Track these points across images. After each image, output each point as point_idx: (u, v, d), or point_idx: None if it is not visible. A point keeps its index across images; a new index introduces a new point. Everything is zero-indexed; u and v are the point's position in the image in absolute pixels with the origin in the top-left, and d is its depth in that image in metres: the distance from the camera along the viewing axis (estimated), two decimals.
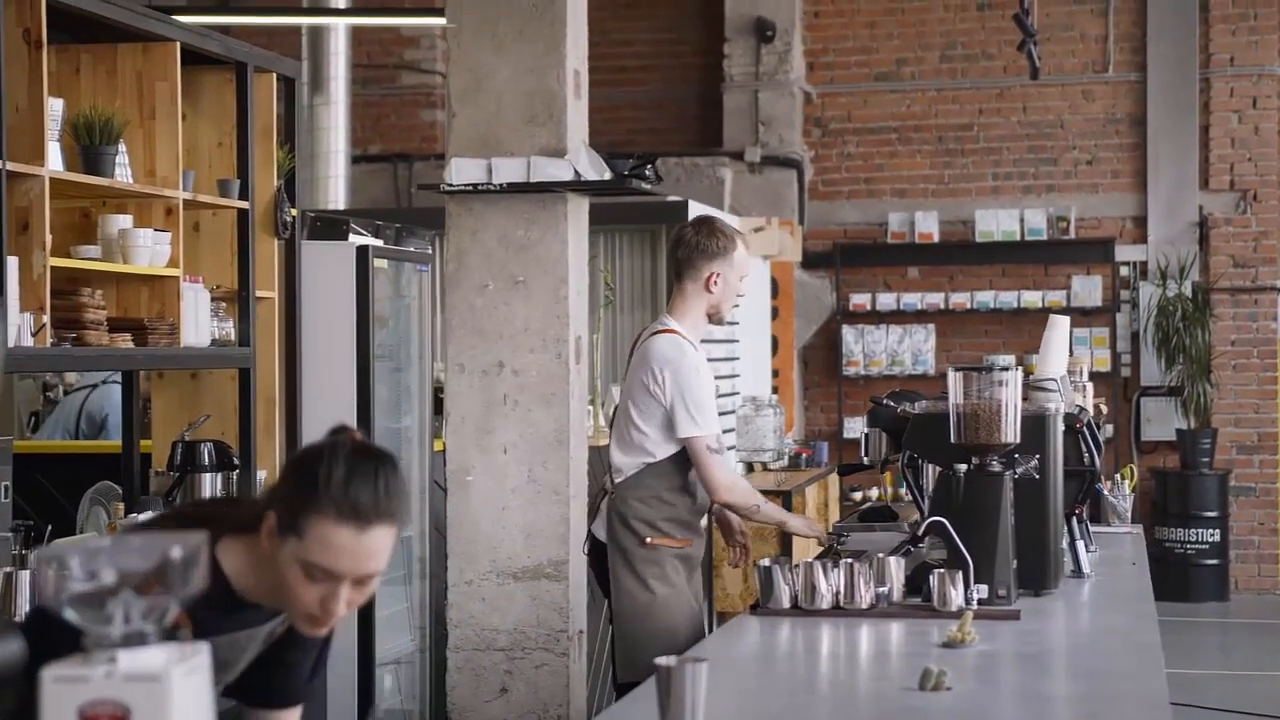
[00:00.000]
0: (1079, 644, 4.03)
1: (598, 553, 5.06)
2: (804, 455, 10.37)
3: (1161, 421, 12.26)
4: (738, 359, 10.07)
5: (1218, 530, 11.91)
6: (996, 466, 4.28)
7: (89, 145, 4.59)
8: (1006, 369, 4.31)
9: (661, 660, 2.66)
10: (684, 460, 4.93)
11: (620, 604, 4.93)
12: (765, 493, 8.57)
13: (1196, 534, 11.88)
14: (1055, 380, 5.01)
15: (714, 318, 5.03)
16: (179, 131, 4.96)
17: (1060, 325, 5.37)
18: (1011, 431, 4.26)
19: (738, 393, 9.93)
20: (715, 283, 4.96)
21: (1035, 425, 4.42)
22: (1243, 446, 12.26)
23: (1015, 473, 4.33)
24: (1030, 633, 3.92)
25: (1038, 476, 4.40)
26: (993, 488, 4.25)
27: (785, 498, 8.80)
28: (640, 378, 4.89)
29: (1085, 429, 4.93)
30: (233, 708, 2.80)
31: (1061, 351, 5.29)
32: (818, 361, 12.80)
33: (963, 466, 4.27)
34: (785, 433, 10.26)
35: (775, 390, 11.78)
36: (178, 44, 4.94)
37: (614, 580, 4.94)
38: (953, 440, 4.30)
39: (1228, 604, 11.91)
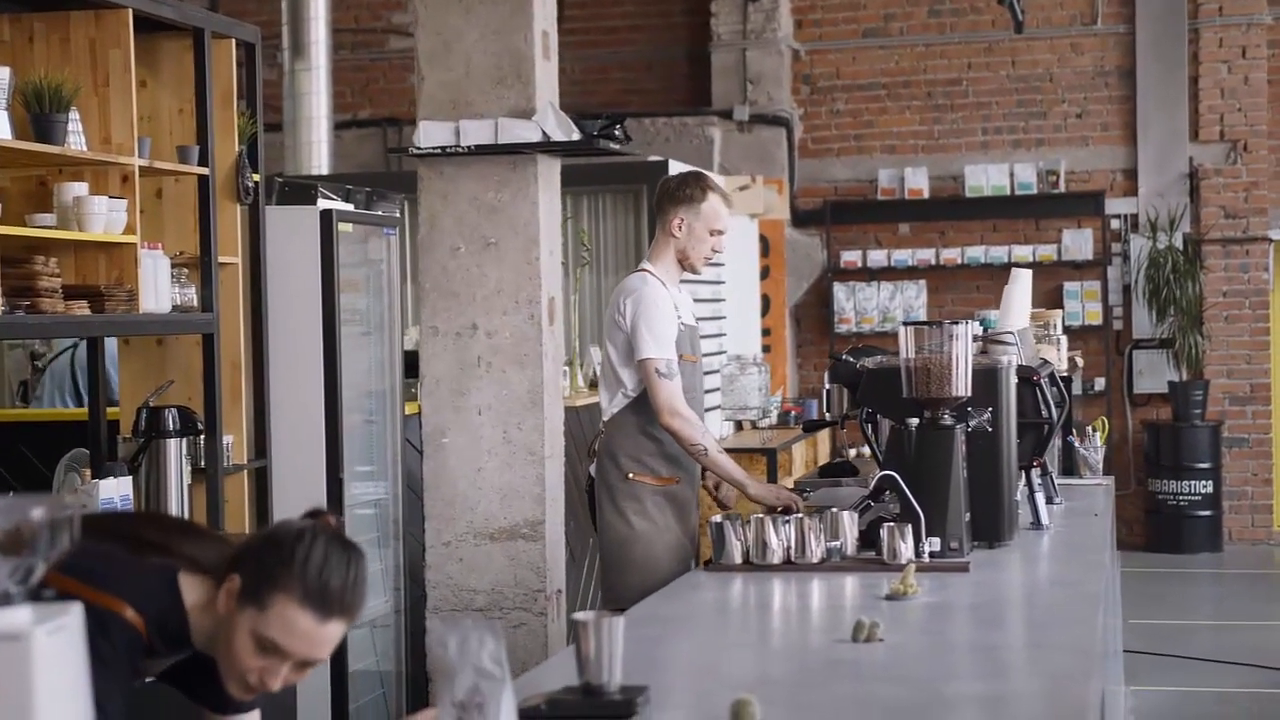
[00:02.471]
0: (1023, 595, 4.06)
1: (592, 489, 5.24)
2: (793, 413, 10.37)
3: (1153, 374, 12.25)
4: (724, 318, 10.08)
5: (1210, 481, 11.92)
6: (948, 420, 4.30)
7: (39, 114, 4.59)
8: (957, 323, 4.31)
9: (579, 615, 2.69)
10: None
11: (602, 537, 5.14)
12: (749, 450, 8.72)
13: (1189, 485, 11.89)
14: (1013, 334, 5.01)
15: (684, 264, 5.18)
16: (133, 98, 4.96)
17: (1022, 279, 5.37)
18: (962, 385, 4.28)
19: (724, 351, 9.94)
20: (680, 227, 5.13)
21: (987, 379, 4.43)
22: (1235, 397, 12.25)
23: (968, 426, 4.34)
24: (977, 584, 3.94)
25: (990, 429, 4.42)
26: (944, 441, 4.27)
27: (770, 455, 8.82)
28: (611, 314, 5.11)
29: (1044, 382, 4.93)
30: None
31: (1023, 305, 5.30)
32: (810, 319, 12.80)
33: (914, 420, 4.29)
34: (771, 391, 10.27)
35: (767, 349, 11.80)
36: (129, 10, 4.93)
37: (598, 513, 5.15)
38: (904, 394, 4.31)
39: (1221, 555, 11.93)
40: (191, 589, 2.60)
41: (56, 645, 1.68)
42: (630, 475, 5.08)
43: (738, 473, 5.09)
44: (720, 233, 5.19)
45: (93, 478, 5.01)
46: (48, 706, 1.65)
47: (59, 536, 1.72)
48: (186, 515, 5.22)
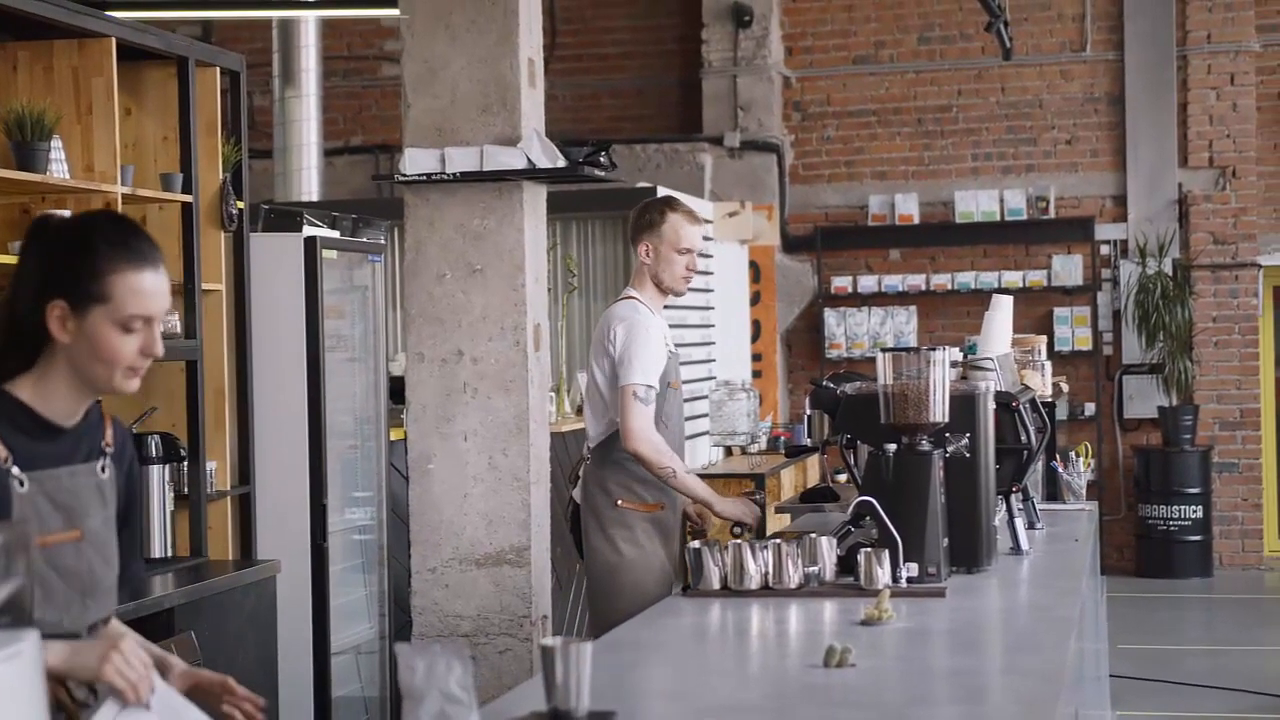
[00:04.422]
0: (997, 620, 4.06)
1: (575, 515, 5.29)
2: (783, 438, 10.38)
3: (1143, 399, 12.27)
4: (713, 344, 10.10)
5: (1200, 506, 11.92)
6: (925, 446, 4.31)
7: (21, 141, 4.62)
8: (935, 349, 4.33)
9: (546, 641, 2.70)
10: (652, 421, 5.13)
11: (591, 564, 5.17)
12: (738, 475, 8.73)
13: (1179, 510, 11.90)
14: (992, 359, 5.03)
15: (660, 286, 5.25)
16: (116, 126, 4.99)
17: (1002, 305, 5.39)
18: (940, 411, 4.29)
19: (713, 377, 9.95)
20: (648, 253, 5.24)
21: (965, 404, 4.44)
22: (1225, 422, 12.27)
23: (945, 452, 4.35)
24: (953, 610, 3.94)
25: (968, 455, 4.43)
26: (921, 467, 4.28)
27: (758, 480, 8.83)
28: (600, 341, 5.18)
29: (1024, 408, 4.94)
30: None
31: (1003, 331, 5.32)
32: (801, 345, 12.82)
33: (892, 446, 4.30)
34: (761, 416, 10.28)
35: (758, 374, 11.82)
36: (113, 40, 4.97)
37: (585, 541, 5.19)
38: (882, 420, 4.33)
39: (1211, 580, 11.93)
40: (24, 386, 2.66)
41: (12, 671, 1.69)
42: (619, 502, 5.13)
43: (704, 492, 5.13)
44: (688, 251, 5.23)
45: None
46: None
47: (15, 562, 1.73)
48: (170, 543, 5.24)
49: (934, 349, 4.33)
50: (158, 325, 2.67)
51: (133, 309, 2.62)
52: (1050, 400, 6.22)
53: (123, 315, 2.62)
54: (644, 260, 5.23)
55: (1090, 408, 12.23)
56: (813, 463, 10.58)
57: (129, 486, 2.85)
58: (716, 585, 4.16)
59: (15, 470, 2.59)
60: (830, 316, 12.61)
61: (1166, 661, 9.10)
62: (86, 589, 2.68)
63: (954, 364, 4.72)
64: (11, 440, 2.60)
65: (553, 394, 7.67)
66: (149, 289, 2.64)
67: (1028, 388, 5.37)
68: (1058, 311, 12.32)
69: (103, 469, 2.76)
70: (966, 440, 4.41)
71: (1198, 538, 11.95)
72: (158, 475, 5.18)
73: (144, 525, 2.87)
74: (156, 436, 5.21)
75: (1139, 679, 8.52)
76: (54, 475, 2.66)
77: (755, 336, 12.04)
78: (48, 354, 2.65)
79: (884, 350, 4.36)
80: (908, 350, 4.35)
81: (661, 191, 9.51)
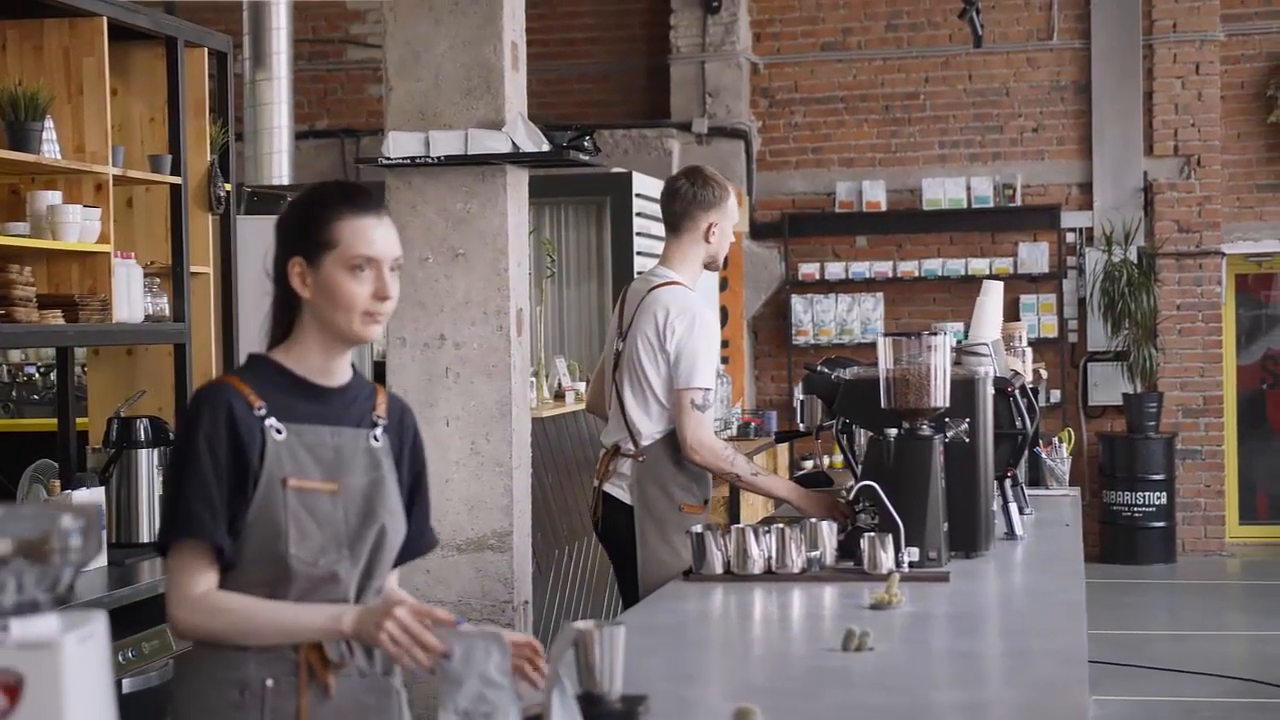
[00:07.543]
0: (1004, 604, 4.09)
1: (614, 513, 4.89)
2: (753, 424, 10.39)
3: (1108, 386, 12.35)
4: None
5: (1164, 493, 12.02)
6: (926, 430, 4.32)
7: (14, 121, 4.56)
8: (935, 334, 4.34)
9: (579, 624, 2.68)
10: None
11: (647, 568, 4.80)
12: None
13: (1143, 497, 11.99)
14: (987, 345, 5.05)
15: (711, 267, 4.95)
16: (107, 107, 4.93)
17: (993, 291, 5.41)
18: (940, 396, 4.30)
19: None
20: (713, 233, 4.87)
21: (965, 389, 4.46)
22: (1189, 410, 12.36)
23: (945, 436, 4.37)
24: (958, 594, 3.96)
25: (968, 440, 4.44)
26: (922, 451, 4.29)
27: None
28: (654, 330, 4.78)
29: (1017, 393, 4.96)
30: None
31: (995, 317, 5.33)
32: (768, 331, 12.84)
33: (893, 431, 4.31)
34: (733, 403, 10.28)
35: (726, 360, 11.82)
36: (104, 19, 4.91)
37: (642, 545, 4.82)
38: (883, 405, 4.33)
39: (1175, 565, 12.04)
40: (281, 352, 2.83)
41: (85, 653, 1.67)
42: (683, 507, 4.82)
43: (780, 489, 4.86)
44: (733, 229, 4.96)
45: (63, 489, 4.97)
46: (77, 713, 1.64)
47: (88, 544, 1.70)
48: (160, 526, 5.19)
49: (935, 333, 4.34)
50: (387, 269, 2.78)
51: (357, 249, 2.75)
52: (1034, 386, 6.25)
53: (349, 256, 2.75)
54: (708, 240, 4.85)
55: (1056, 395, 12.30)
56: (781, 449, 10.60)
57: (413, 458, 2.94)
58: (719, 570, 4.16)
59: (272, 420, 2.75)
60: (797, 303, 12.63)
61: (1133, 647, 9.16)
62: (341, 540, 2.78)
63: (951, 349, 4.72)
64: (268, 396, 2.77)
65: (532, 379, 7.63)
66: (371, 231, 2.78)
67: (1017, 373, 5.40)
68: (1024, 299, 12.38)
69: (374, 437, 2.86)
70: (966, 425, 4.43)
71: (1161, 524, 12.04)
72: (146, 459, 5.12)
73: (427, 498, 2.95)
74: (145, 420, 5.15)
75: (1111, 664, 8.58)
76: (315, 430, 2.80)
77: (722, 323, 12.04)
78: (299, 320, 2.82)
79: (885, 335, 4.36)
80: (908, 335, 4.35)
81: (639, 177, 9.52)
